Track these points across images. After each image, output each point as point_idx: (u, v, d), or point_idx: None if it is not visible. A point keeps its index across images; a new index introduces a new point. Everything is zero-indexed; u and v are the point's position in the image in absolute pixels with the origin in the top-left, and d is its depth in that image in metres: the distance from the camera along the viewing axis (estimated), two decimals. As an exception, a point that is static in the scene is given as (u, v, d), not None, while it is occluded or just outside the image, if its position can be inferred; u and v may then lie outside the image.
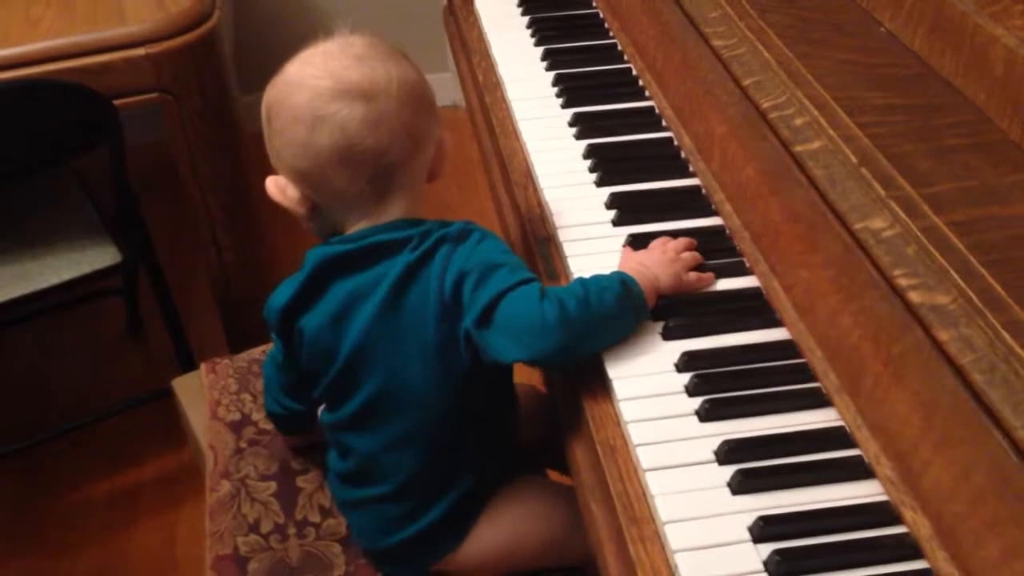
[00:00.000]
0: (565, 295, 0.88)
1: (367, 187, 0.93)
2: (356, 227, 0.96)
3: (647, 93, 1.27)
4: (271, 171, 0.97)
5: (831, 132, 0.90)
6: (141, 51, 1.50)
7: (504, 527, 1.03)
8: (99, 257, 1.58)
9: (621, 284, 0.91)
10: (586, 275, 0.95)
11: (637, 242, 1.02)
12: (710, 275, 0.99)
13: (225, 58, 1.64)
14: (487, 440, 1.02)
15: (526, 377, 1.17)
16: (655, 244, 1.00)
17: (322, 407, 1.06)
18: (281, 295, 0.97)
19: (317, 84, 0.89)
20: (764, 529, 0.75)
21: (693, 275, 0.97)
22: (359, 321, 0.94)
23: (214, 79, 1.59)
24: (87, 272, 1.57)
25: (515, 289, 0.88)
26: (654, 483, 0.79)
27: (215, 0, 1.63)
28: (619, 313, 0.91)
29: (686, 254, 0.98)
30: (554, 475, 1.21)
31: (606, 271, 0.96)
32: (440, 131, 0.97)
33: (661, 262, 0.96)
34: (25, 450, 1.72)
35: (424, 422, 0.97)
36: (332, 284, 0.94)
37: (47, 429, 1.74)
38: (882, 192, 0.82)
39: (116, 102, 1.47)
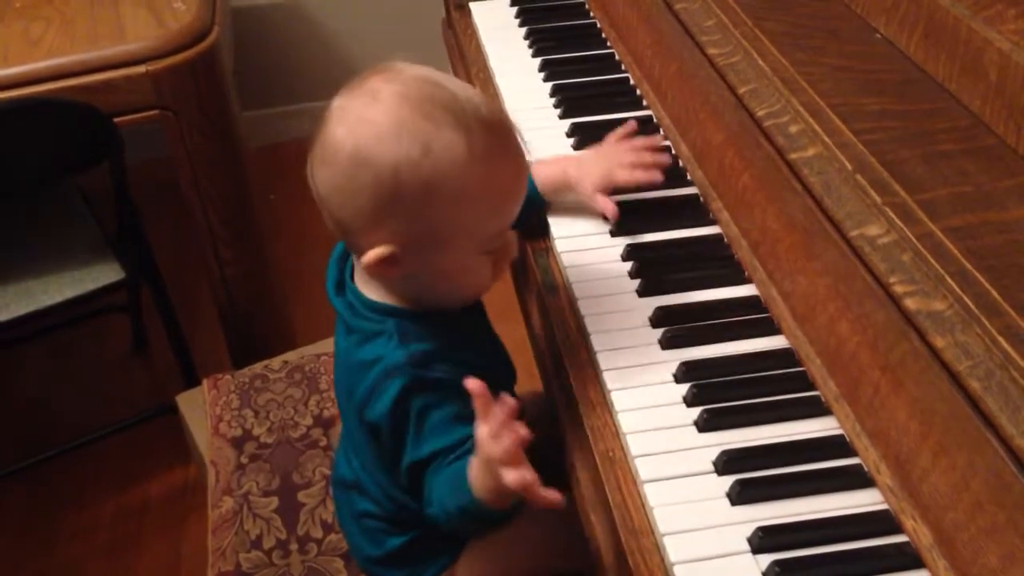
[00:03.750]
0: (433, 509, 0.87)
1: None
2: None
3: (645, 102, 1.27)
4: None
5: (826, 139, 0.90)
6: (141, 68, 1.51)
7: (500, 538, 1.03)
8: (102, 274, 1.59)
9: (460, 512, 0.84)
10: (583, 287, 0.95)
11: (635, 252, 1.02)
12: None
13: (225, 74, 1.65)
14: None
15: (528, 385, 1.17)
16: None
17: None
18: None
19: None
20: (763, 540, 0.75)
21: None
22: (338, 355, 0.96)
23: (214, 95, 1.60)
24: (90, 289, 1.58)
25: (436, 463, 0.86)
26: (653, 494, 0.79)
27: (215, 17, 1.64)
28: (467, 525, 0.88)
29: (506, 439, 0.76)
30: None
31: (606, 280, 0.95)
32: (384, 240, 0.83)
33: (489, 452, 0.77)
34: (31, 467, 1.72)
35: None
36: None
37: (53, 446, 1.74)
38: (877, 199, 0.82)
39: (117, 119, 1.48)
